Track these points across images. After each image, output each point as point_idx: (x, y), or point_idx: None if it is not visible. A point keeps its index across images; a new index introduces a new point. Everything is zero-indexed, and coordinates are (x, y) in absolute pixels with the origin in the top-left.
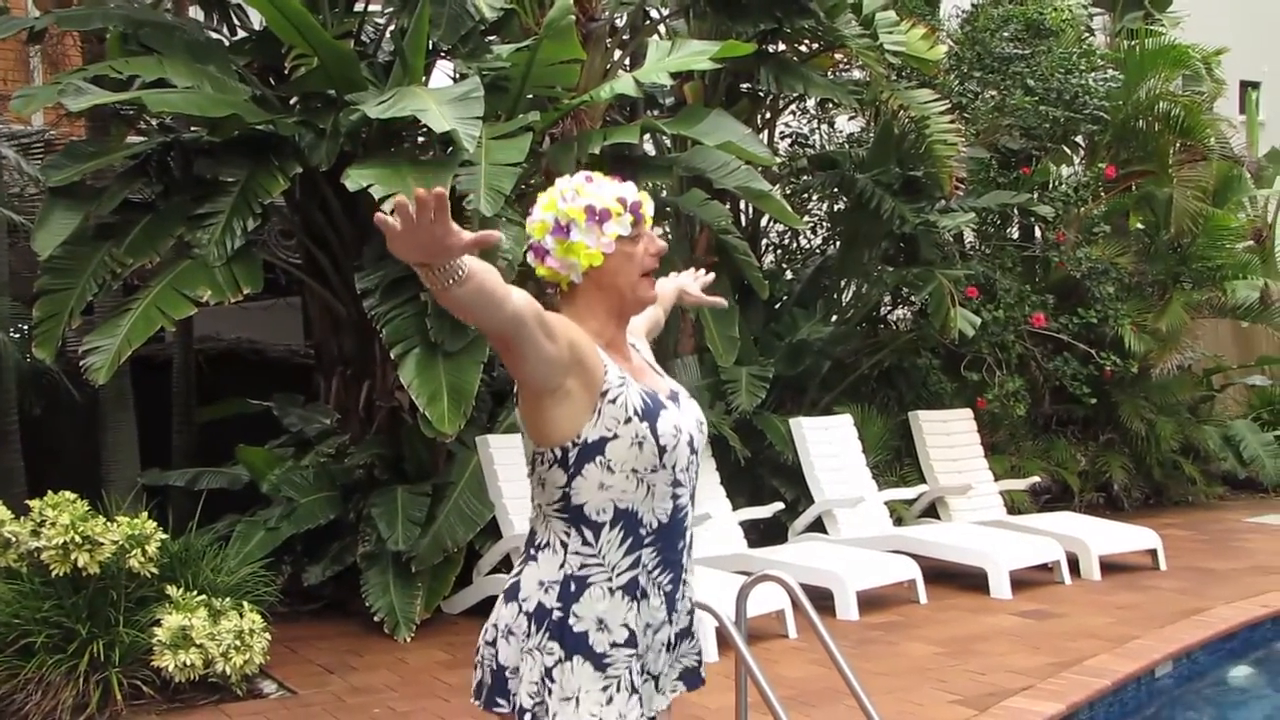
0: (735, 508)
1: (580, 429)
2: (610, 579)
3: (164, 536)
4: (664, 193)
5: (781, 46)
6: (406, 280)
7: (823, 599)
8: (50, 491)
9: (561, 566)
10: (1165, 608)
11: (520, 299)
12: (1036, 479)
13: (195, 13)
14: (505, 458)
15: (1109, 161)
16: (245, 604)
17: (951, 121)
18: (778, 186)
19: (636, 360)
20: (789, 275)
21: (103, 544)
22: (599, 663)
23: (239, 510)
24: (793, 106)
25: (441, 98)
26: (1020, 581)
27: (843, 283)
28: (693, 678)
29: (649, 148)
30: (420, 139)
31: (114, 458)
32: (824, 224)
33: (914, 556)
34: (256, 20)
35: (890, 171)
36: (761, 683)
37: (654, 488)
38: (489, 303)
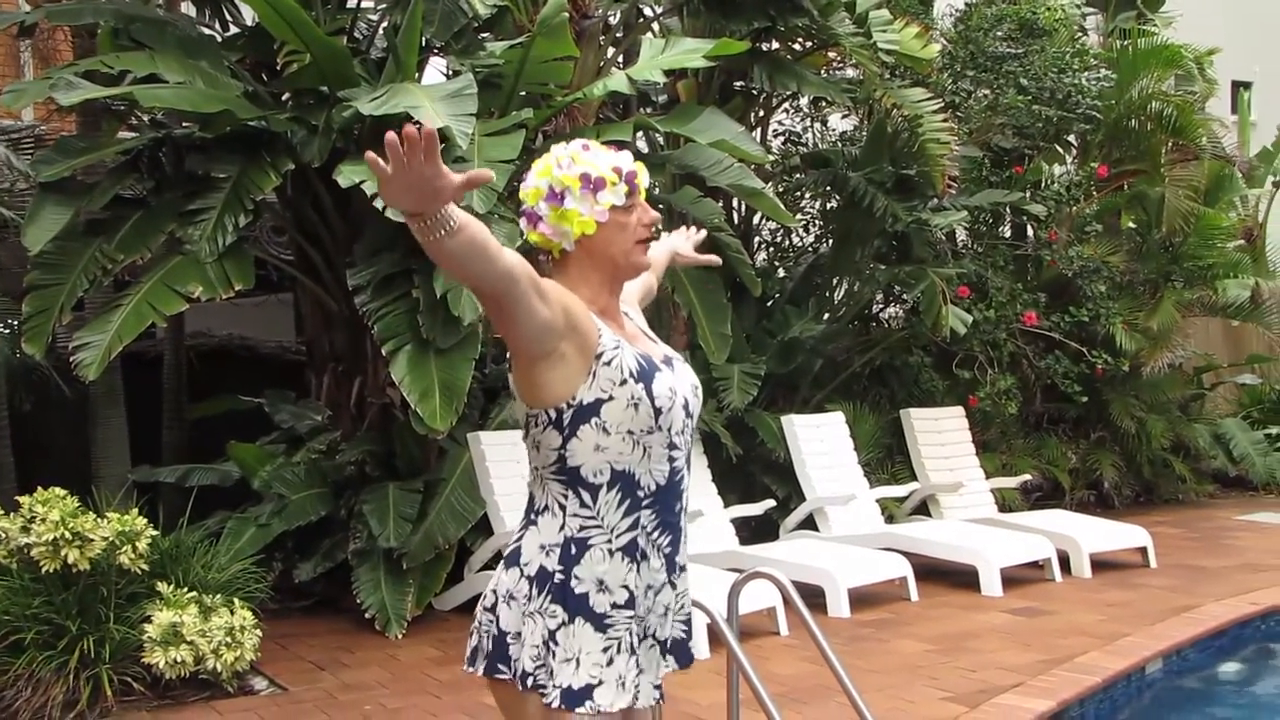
0: (727, 505)
1: (575, 391)
2: (610, 540)
3: (154, 533)
4: (657, 190)
5: (775, 44)
6: (398, 277)
7: (814, 596)
8: (40, 488)
9: (561, 529)
10: (1155, 605)
11: (513, 258)
12: (1027, 477)
13: (187, 8)
14: (497, 454)
15: (1101, 161)
16: (236, 601)
17: (944, 120)
18: (770, 184)
19: (630, 327)
20: (781, 273)
21: (93, 540)
22: (599, 623)
23: (230, 507)
24: (786, 104)
25: (435, 94)
26: (1011, 579)
27: (835, 281)
28: (680, 650)
29: (642, 145)
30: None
31: (104, 454)
32: (816, 222)
33: (905, 554)
34: (249, 16)
35: (883, 170)
36: (753, 680)
37: (650, 450)
38: (480, 256)
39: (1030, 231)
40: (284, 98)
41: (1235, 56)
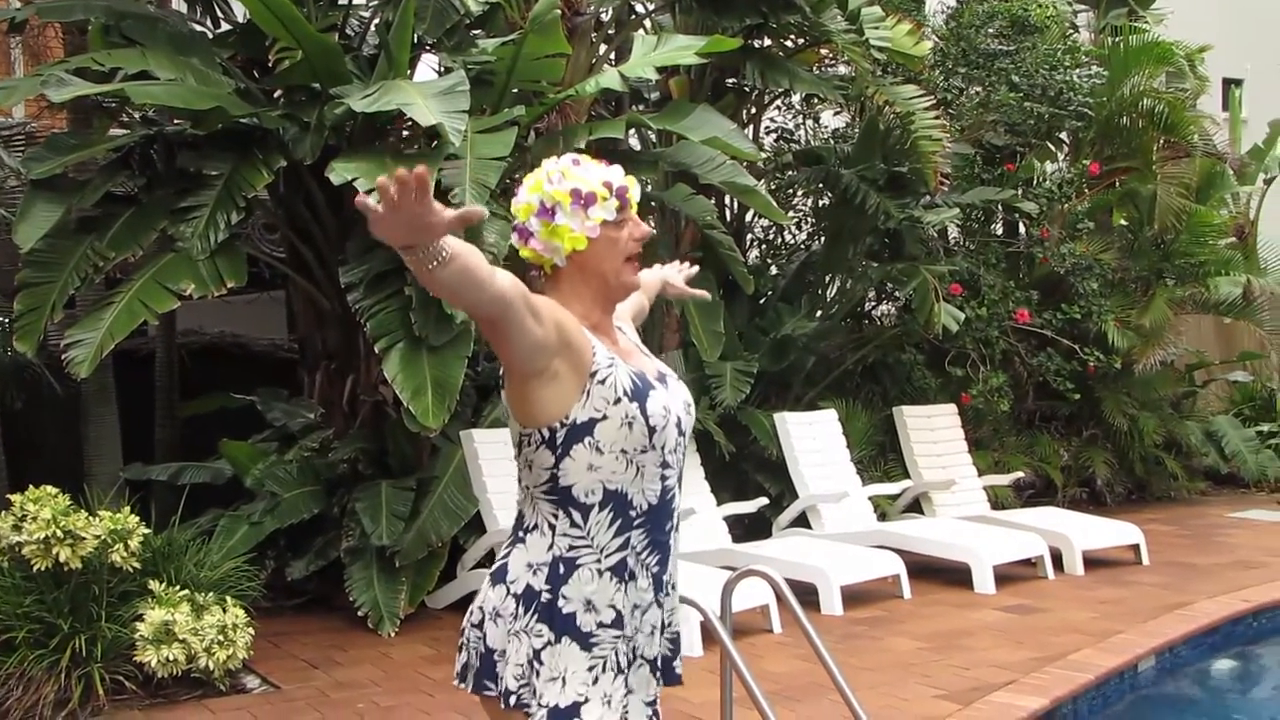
0: (719, 503)
1: (568, 410)
2: (599, 560)
3: (146, 531)
4: (649, 187)
5: (767, 42)
6: (391, 274)
7: (807, 594)
8: (31, 486)
9: (550, 548)
10: (1148, 602)
11: (505, 280)
12: (1020, 474)
13: (178, 5)
14: (490, 452)
15: (1093, 158)
16: (228, 599)
17: (936, 117)
18: (763, 182)
19: (624, 342)
20: (774, 270)
21: (85, 539)
22: (585, 643)
23: (222, 505)
24: (778, 102)
25: (427, 91)
26: (1004, 576)
27: (827, 278)
28: (668, 671)
29: (634, 142)
30: (405, 133)
31: (96, 452)
32: (809, 219)
33: (898, 551)
34: (240, 13)
35: (875, 167)
36: (747, 677)
37: (643, 469)
38: (473, 284)
39: (1022, 229)
40: (276, 95)
41: (1226, 53)
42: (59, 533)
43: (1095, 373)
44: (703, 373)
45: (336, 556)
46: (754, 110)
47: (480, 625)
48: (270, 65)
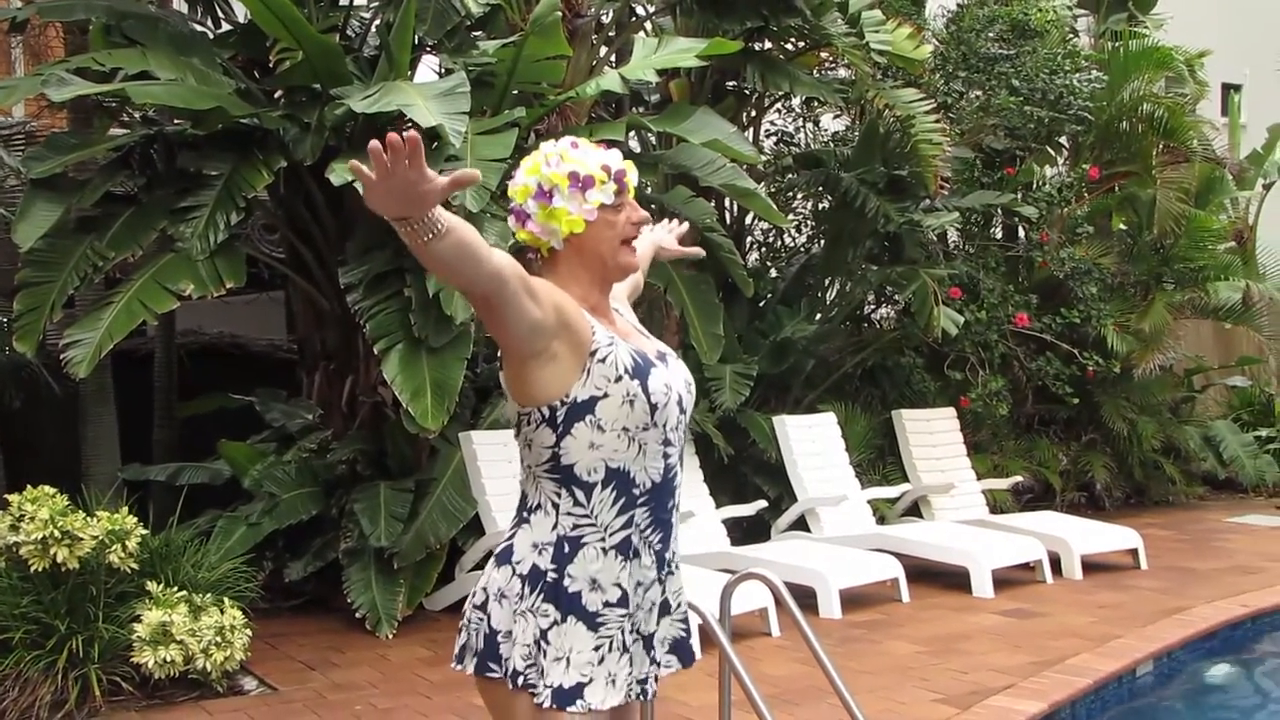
0: (718, 505)
1: (568, 388)
2: (604, 539)
3: (144, 532)
4: (649, 190)
5: (768, 44)
6: (390, 275)
7: (805, 597)
8: (29, 486)
9: (554, 528)
10: (1146, 607)
11: (502, 258)
12: (1019, 478)
13: (179, 5)
14: (489, 454)
15: (1092, 162)
16: (226, 600)
17: (936, 121)
18: (763, 184)
19: (621, 323)
20: (773, 273)
21: (82, 539)
22: (591, 622)
23: (220, 506)
24: (778, 105)
25: (427, 93)
26: (1002, 580)
27: (827, 281)
28: (683, 650)
29: (634, 144)
30: (405, 134)
31: (94, 452)
32: (808, 222)
33: (897, 555)
34: (241, 13)
35: (875, 170)
36: (745, 681)
37: (646, 446)
38: (469, 258)
39: (1022, 233)
40: (276, 95)
41: (1225, 59)
42: (56, 533)
43: (1094, 377)
44: (702, 375)
45: (335, 558)
46: (754, 113)
47: (484, 606)
48: (271, 66)
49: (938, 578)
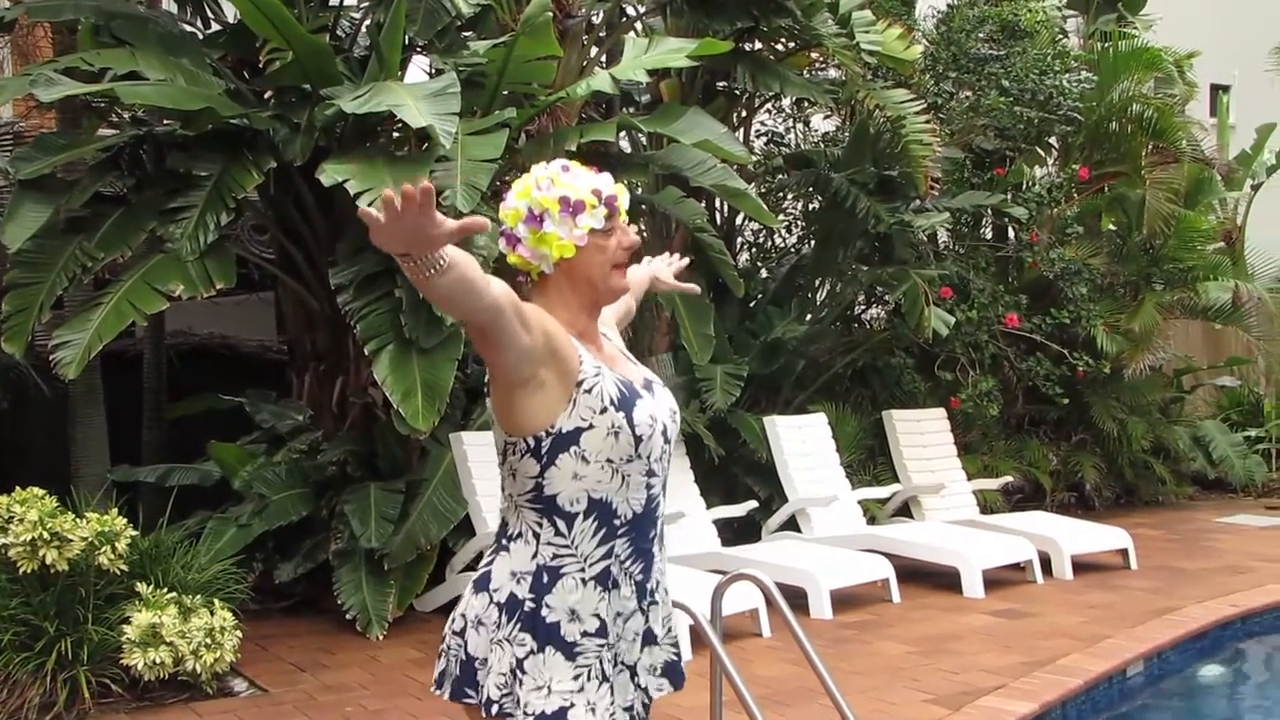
0: (709, 506)
1: (554, 419)
2: (583, 569)
3: (134, 533)
4: (640, 190)
5: (758, 45)
6: (381, 276)
7: (796, 598)
8: (18, 487)
9: (534, 557)
10: (1136, 607)
11: (499, 288)
12: (1009, 478)
13: (168, 5)
14: (479, 455)
15: (1082, 163)
16: (216, 601)
17: (927, 121)
18: (753, 185)
19: (609, 349)
20: (764, 274)
21: (72, 541)
22: (570, 652)
23: (210, 507)
24: (769, 105)
25: (418, 93)
26: (993, 581)
27: (817, 281)
28: (674, 673)
29: (625, 145)
30: (396, 134)
31: (83, 453)
32: (799, 223)
33: (887, 555)
34: (231, 13)
35: (865, 171)
36: (737, 681)
37: (629, 478)
38: (469, 292)
39: (1011, 233)
40: (266, 96)
41: (1214, 60)
42: (46, 535)
43: (1084, 377)
44: (693, 376)
45: (325, 559)
46: (745, 113)
47: (461, 633)
48: (261, 66)
49: (928, 578)
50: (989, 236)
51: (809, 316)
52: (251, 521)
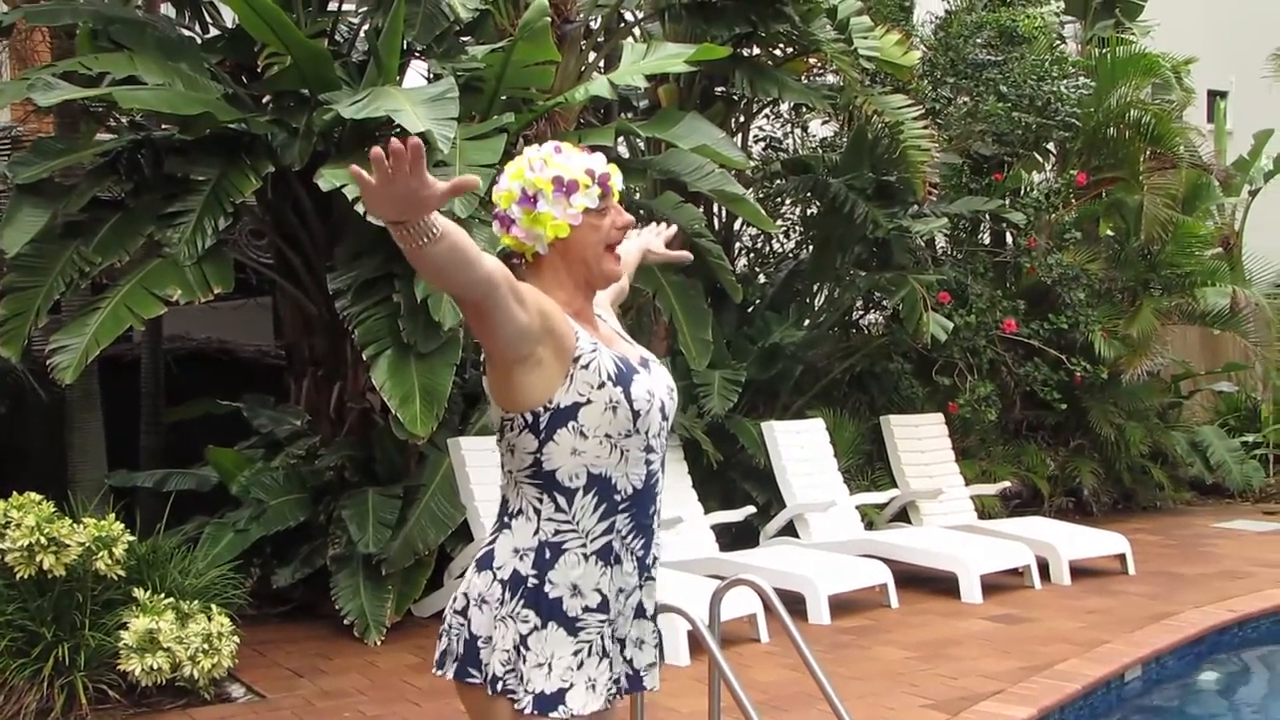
0: (707, 511)
1: (552, 394)
2: (585, 545)
3: (131, 538)
4: (638, 195)
5: (756, 50)
6: (379, 281)
7: (794, 603)
8: (15, 492)
9: (536, 533)
10: (1134, 612)
11: (492, 263)
12: (1007, 484)
13: (167, 9)
14: (477, 460)
15: (1080, 168)
16: (213, 607)
17: (925, 127)
18: (751, 190)
19: (605, 329)
20: (762, 279)
21: (69, 546)
22: (571, 627)
23: (208, 512)
24: (767, 110)
25: (416, 98)
26: (991, 586)
27: (815, 287)
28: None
29: (623, 150)
30: (394, 139)
31: (81, 458)
32: (797, 228)
33: (885, 561)
34: (229, 18)
35: (863, 176)
36: (735, 687)
37: (628, 453)
38: (462, 262)
39: (1009, 239)
40: (264, 100)
41: (1211, 66)
42: (43, 540)
43: (1082, 383)
44: (691, 381)
45: (323, 564)
46: (743, 119)
47: (464, 612)
48: (259, 71)
49: (926, 583)
50: (987, 242)
51: (807, 322)
52: (249, 527)
